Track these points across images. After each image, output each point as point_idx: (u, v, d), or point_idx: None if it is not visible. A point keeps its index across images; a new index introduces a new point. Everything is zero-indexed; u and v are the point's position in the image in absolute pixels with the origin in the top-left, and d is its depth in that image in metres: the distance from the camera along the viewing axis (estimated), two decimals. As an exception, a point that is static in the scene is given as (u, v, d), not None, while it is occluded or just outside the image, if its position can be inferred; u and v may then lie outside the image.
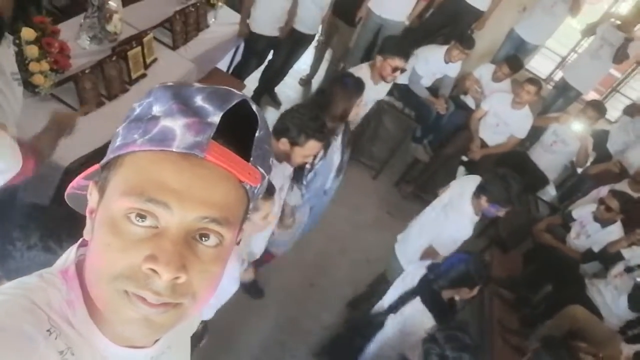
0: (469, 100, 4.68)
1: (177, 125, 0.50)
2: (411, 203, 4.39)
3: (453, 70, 4.34)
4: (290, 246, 2.94)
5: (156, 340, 0.65)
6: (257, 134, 0.55)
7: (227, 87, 0.55)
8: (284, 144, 2.12)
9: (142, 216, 0.50)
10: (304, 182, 2.67)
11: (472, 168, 4.51)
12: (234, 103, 0.53)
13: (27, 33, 2.12)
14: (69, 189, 0.64)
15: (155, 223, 0.50)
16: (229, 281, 1.88)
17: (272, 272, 3.33)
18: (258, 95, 4.57)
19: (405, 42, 3.12)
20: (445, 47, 4.26)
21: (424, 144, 4.74)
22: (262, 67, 4.48)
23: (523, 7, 5.24)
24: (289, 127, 2.08)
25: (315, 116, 2.12)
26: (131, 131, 0.53)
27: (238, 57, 4.24)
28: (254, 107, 0.55)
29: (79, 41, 2.62)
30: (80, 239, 0.63)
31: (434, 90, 4.49)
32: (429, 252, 2.78)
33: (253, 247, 2.16)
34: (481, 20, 4.89)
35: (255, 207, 1.78)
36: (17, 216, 1.21)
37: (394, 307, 2.37)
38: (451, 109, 4.51)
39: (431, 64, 4.26)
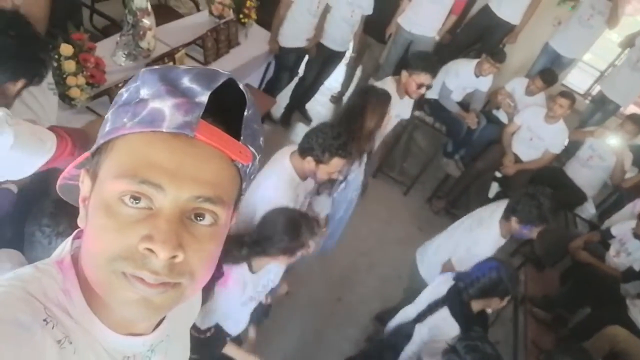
0: (501, 115, 4.60)
1: (165, 106, 0.51)
2: (442, 219, 4.32)
3: (484, 84, 4.28)
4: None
5: (155, 328, 0.66)
6: (245, 113, 0.55)
7: (213, 68, 0.55)
8: (309, 162, 2.19)
9: (136, 198, 0.51)
10: (334, 194, 2.73)
11: (505, 184, 4.41)
12: (220, 82, 0.53)
13: (66, 49, 2.23)
14: (61, 180, 0.64)
15: (150, 204, 0.51)
16: (224, 305, 1.87)
17: (299, 286, 3.33)
18: (289, 111, 4.64)
19: (432, 58, 3.07)
20: (475, 61, 4.22)
21: (455, 159, 4.67)
22: (294, 84, 4.57)
23: (558, 20, 5.15)
24: (313, 146, 2.16)
25: (337, 134, 2.18)
26: (120, 115, 0.53)
27: (269, 75, 4.33)
28: (241, 86, 0.56)
29: (114, 58, 2.74)
30: (75, 232, 0.64)
31: (465, 104, 4.44)
32: (447, 267, 2.72)
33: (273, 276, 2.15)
34: (513, 33, 4.83)
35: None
36: (48, 204, 1.25)
37: (422, 316, 2.30)
38: (483, 124, 4.44)
39: (462, 78, 4.22)
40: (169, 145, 0.51)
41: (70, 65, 2.25)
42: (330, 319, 3.26)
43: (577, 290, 3.62)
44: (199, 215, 0.53)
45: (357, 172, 2.77)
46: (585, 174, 4.27)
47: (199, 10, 4.23)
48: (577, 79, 6.15)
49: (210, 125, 0.52)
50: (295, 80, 4.55)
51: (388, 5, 4.46)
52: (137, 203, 0.51)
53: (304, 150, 2.19)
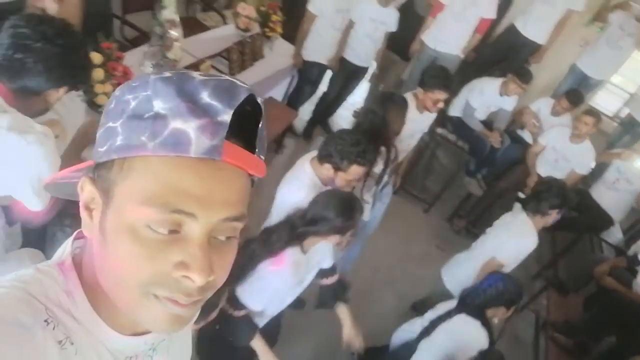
0: (526, 135, 4.54)
1: (190, 127, 0.48)
2: (463, 238, 4.26)
3: (509, 103, 4.23)
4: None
5: None
6: (260, 124, 0.55)
7: (229, 78, 0.53)
8: (327, 169, 2.18)
9: (165, 225, 0.50)
10: (371, 199, 2.78)
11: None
12: (242, 99, 0.51)
13: (95, 57, 2.28)
14: (51, 180, 0.63)
15: (177, 229, 0.51)
16: (280, 285, 1.90)
17: (314, 299, 3.30)
18: (311, 126, 4.66)
19: (444, 73, 3.05)
20: (500, 80, 4.18)
21: (477, 178, 4.62)
22: (317, 99, 4.60)
23: (585, 41, 5.08)
24: (332, 153, 2.14)
25: (356, 141, 2.15)
26: (135, 131, 0.50)
27: (293, 88, 4.37)
28: (259, 100, 0.55)
29: (142, 67, 2.80)
30: (75, 232, 0.63)
31: (488, 123, 4.40)
32: (491, 265, 2.79)
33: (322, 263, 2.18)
34: (539, 53, 4.77)
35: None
36: (70, 205, 1.27)
37: (425, 333, 2.31)
38: (506, 143, 4.39)
39: (486, 97, 4.18)
40: (197, 170, 0.49)
41: (98, 73, 2.30)
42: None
43: (601, 317, 3.50)
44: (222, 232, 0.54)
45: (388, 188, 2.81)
46: (612, 197, 4.17)
47: (225, 23, 4.30)
48: (605, 101, 6.03)
49: (234, 145, 0.51)
50: (319, 94, 4.58)
51: (412, 22, 4.48)
52: (165, 229, 0.50)
53: (323, 156, 2.18)
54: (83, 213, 0.57)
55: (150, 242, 0.50)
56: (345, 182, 2.21)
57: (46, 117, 2.09)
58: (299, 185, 2.20)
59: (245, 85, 0.53)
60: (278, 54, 3.94)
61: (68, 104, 1.75)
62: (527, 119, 4.44)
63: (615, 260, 3.78)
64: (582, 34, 5.15)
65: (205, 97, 0.50)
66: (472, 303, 2.33)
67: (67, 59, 1.40)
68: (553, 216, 2.77)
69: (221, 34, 3.67)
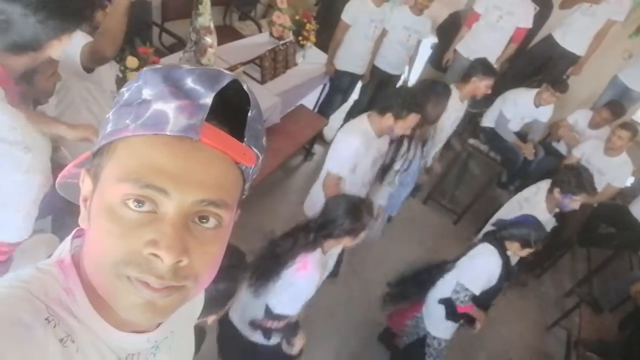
0: (561, 147, 4.42)
1: (169, 108, 0.50)
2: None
3: (544, 114, 4.14)
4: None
5: (159, 325, 0.66)
6: (249, 114, 0.55)
7: (217, 68, 0.55)
8: (388, 118, 2.48)
9: (140, 202, 0.50)
10: (395, 177, 3.03)
11: (562, 219, 4.20)
12: (225, 83, 0.52)
13: (131, 61, 2.40)
14: (60, 178, 0.63)
15: (154, 208, 0.50)
16: (310, 288, 1.95)
17: (339, 308, 3.31)
18: (342, 133, 4.69)
19: (489, 62, 3.41)
20: (535, 91, 4.10)
21: (510, 190, 4.52)
22: (347, 107, 4.63)
23: (629, 53, 4.92)
24: (393, 104, 2.45)
25: (413, 95, 2.54)
26: (122, 116, 0.52)
27: (324, 96, 4.42)
28: (245, 86, 0.55)
29: (176, 72, 2.90)
30: (74, 230, 0.64)
31: (523, 135, 4.31)
32: None
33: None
34: (578, 64, 4.65)
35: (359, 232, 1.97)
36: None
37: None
38: (540, 155, 4.28)
39: (520, 107, 4.11)
40: (173, 148, 0.50)
41: (134, 77, 2.41)
42: (369, 342, 3.21)
43: (637, 339, 3.36)
44: (203, 218, 0.53)
45: (418, 161, 3.05)
46: (653, 214, 4.00)
47: (261, 32, 4.41)
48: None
49: (214, 127, 0.51)
50: (350, 103, 4.61)
51: (447, 33, 4.46)
52: (140, 207, 0.50)
53: (384, 107, 2.47)
54: (81, 205, 0.58)
55: (125, 220, 0.50)
56: (403, 129, 2.52)
57: (82, 118, 2.21)
58: (355, 134, 2.48)
59: (230, 73, 0.54)
60: (311, 63, 4.01)
61: (106, 108, 1.83)
62: (564, 131, 4.33)
63: (654, 280, 3.63)
64: (625, 45, 4.99)
65: (190, 82, 0.52)
66: (495, 234, 2.49)
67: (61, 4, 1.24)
68: (557, 197, 2.88)
69: (255, 42, 3.76)
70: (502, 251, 2.42)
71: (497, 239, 2.46)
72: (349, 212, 1.94)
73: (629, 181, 4.10)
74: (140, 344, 0.64)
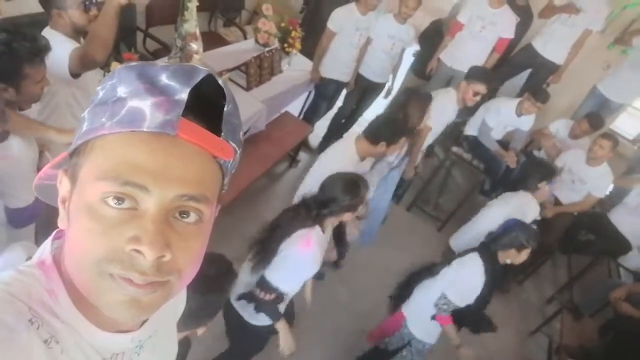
0: (543, 156, 4.49)
1: (145, 105, 0.50)
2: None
3: (525, 123, 4.20)
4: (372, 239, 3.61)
5: (142, 324, 0.66)
6: (225, 109, 0.55)
7: (191, 64, 0.55)
8: (381, 146, 2.68)
9: (119, 199, 0.50)
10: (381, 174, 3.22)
11: (544, 227, 4.27)
12: (199, 78, 0.52)
13: (115, 67, 2.36)
14: (37, 180, 0.63)
15: (134, 205, 0.50)
16: (311, 265, 2.00)
17: (325, 316, 3.30)
18: (327, 141, 4.68)
19: (487, 71, 3.69)
20: (517, 100, 4.17)
21: (492, 198, 4.56)
22: (332, 114, 4.64)
23: (607, 64, 5.03)
24: (385, 134, 2.67)
25: (401, 121, 2.86)
26: (97, 115, 0.52)
27: (309, 104, 4.43)
28: (220, 81, 0.55)
29: (161, 78, 2.88)
30: (54, 232, 0.63)
31: (505, 143, 4.37)
32: None
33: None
34: (557, 73, 4.74)
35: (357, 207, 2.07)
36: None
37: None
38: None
39: (502, 116, 4.17)
40: (150, 145, 0.50)
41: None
42: (353, 351, 3.20)
43: (617, 344, 3.41)
44: (184, 213, 0.53)
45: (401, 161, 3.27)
46: (633, 222, 4.07)
47: (246, 38, 4.40)
48: (626, 124, 5.94)
49: (191, 123, 0.51)
50: (335, 110, 4.63)
51: (429, 41, 4.51)
52: (120, 204, 0.50)
53: (376, 138, 2.66)
54: (60, 207, 0.57)
55: (106, 218, 0.50)
56: (394, 151, 2.80)
57: (66, 123, 2.17)
58: (339, 158, 2.63)
59: (205, 68, 0.54)
60: (296, 70, 4.01)
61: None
62: (545, 141, 4.40)
63: (633, 286, 3.69)
64: (604, 57, 5.11)
65: (164, 78, 0.52)
66: (487, 247, 2.54)
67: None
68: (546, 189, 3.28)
69: (241, 48, 3.75)
70: (490, 262, 2.45)
71: (489, 251, 2.49)
72: (347, 188, 2.03)
73: (608, 190, 4.17)
74: (124, 343, 0.64)
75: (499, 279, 2.59)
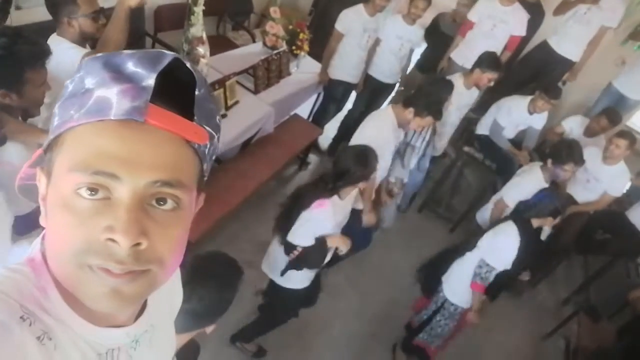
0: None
1: (111, 93, 0.50)
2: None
3: (538, 121, 4.13)
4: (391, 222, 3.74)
5: (137, 318, 0.66)
6: (196, 93, 0.54)
7: (157, 50, 0.54)
8: (409, 112, 2.73)
9: (92, 190, 0.50)
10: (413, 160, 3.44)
11: (559, 226, 4.19)
12: (165, 63, 0.52)
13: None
14: (19, 181, 0.63)
15: (107, 194, 0.50)
16: (324, 221, 2.21)
17: (335, 319, 3.28)
18: (337, 142, 4.68)
19: (497, 58, 3.71)
20: (529, 98, 4.10)
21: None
22: (341, 116, 4.62)
23: (622, 60, 4.93)
24: (418, 102, 2.72)
25: (438, 100, 2.83)
26: (67, 108, 0.52)
27: (318, 106, 4.41)
28: (188, 65, 0.54)
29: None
30: (44, 231, 0.61)
31: (518, 142, 4.30)
32: (499, 205, 3.43)
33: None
34: (573, 71, 4.67)
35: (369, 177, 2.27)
36: None
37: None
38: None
39: (514, 115, 4.10)
40: (119, 133, 0.50)
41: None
42: (363, 355, 3.17)
43: (637, 347, 3.34)
44: (161, 200, 0.52)
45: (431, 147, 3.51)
46: (652, 221, 3.98)
47: (254, 42, 4.40)
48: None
49: (160, 108, 0.51)
50: (344, 112, 4.61)
51: (438, 41, 4.47)
52: (94, 195, 0.50)
53: (409, 102, 2.74)
54: (41, 204, 0.57)
55: (80, 210, 0.50)
56: (417, 126, 2.81)
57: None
58: (377, 123, 2.76)
59: (171, 53, 0.53)
60: (304, 72, 4.00)
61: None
62: (554, 137, 4.32)
63: (651, 287, 3.61)
64: (618, 53, 5.00)
65: (130, 66, 0.51)
66: (523, 214, 2.68)
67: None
68: (549, 168, 3.24)
69: (249, 51, 3.76)
70: (526, 229, 2.59)
71: (524, 219, 2.63)
72: (359, 160, 2.23)
73: (625, 188, 4.08)
74: (119, 338, 0.63)
75: (534, 244, 2.68)
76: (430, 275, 2.94)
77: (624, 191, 4.10)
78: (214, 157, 0.61)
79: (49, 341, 0.54)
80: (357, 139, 2.75)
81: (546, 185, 3.20)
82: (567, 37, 4.54)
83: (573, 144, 3.26)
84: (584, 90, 5.12)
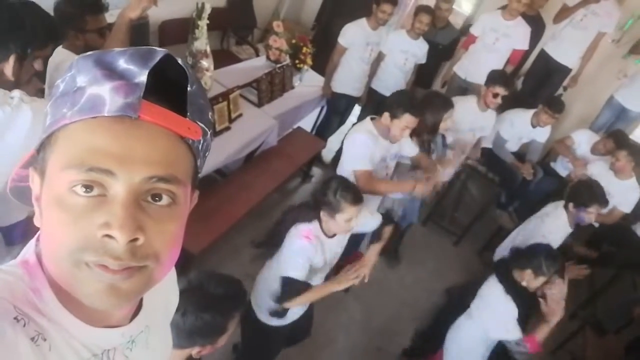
0: (559, 167, 4.39)
1: (104, 90, 0.50)
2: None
3: (541, 135, 4.13)
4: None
5: (132, 319, 0.65)
6: (189, 89, 0.55)
7: (148, 47, 0.54)
8: (385, 117, 2.58)
9: (87, 187, 0.50)
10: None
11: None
12: (157, 59, 0.52)
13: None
14: (11, 182, 0.62)
15: (103, 191, 0.50)
16: (300, 256, 2.04)
17: (339, 333, 3.25)
18: (340, 155, 4.67)
19: (506, 74, 3.71)
20: (532, 111, 4.10)
21: (509, 211, 4.48)
22: (345, 129, 4.62)
23: (623, 73, 4.94)
24: (390, 104, 2.60)
25: (411, 97, 2.66)
26: (59, 107, 0.52)
27: (321, 119, 4.43)
28: (179, 61, 0.55)
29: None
30: (38, 233, 0.61)
31: (521, 155, 4.30)
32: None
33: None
34: (574, 77, 4.68)
35: (340, 209, 2.01)
36: None
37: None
38: (539, 176, 4.25)
39: (517, 128, 4.11)
40: (112, 129, 0.50)
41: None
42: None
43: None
44: (156, 196, 0.52)
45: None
46: (659, 234, 3.94)
47: (258, 56, 4.44)
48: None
49: (153, 104, 0.51)
50: (348, 125, 4.61)
51: (438, 56, 4.48)
52: (89, 192, 0.50)
53: (384, 108, 2.61)
54: (34, 205, 0.57)
55: (75, 207, 0.50)
56: (399, 130, 2.58)
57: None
58: (359, 132, 2.63)
59: (162, 49, 0.53)
60: (308, 85, 4.03)
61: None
62: (569, 153, 4.26)
63: (659, 301, 3.57)
64: (619, 66, 5.03)
65: (122, 63, 0.52)
66: (506, 264, 2.45)
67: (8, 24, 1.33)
68: (572, 211, 3.01)
69: (252, 65, 3.79)
70: (508, 281, 2.35)
71: (506, 269, 2.39)
72: (340, 185, 2.06)
73: (634, 203, 4.03)
74: (115, 338, 0.63)
75: (527, 295, 2.38)
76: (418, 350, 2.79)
77: (633, 206, 4.07)
78: (207, 154, 0.61)
79: (44, 342, 0.54)
80: (345, 161, 2.71)
81: (571, 230, 3.06)
82: (563, 44, 4.58)
83: (593, 184, 3.07)
84: (587, 102, 5.12)
